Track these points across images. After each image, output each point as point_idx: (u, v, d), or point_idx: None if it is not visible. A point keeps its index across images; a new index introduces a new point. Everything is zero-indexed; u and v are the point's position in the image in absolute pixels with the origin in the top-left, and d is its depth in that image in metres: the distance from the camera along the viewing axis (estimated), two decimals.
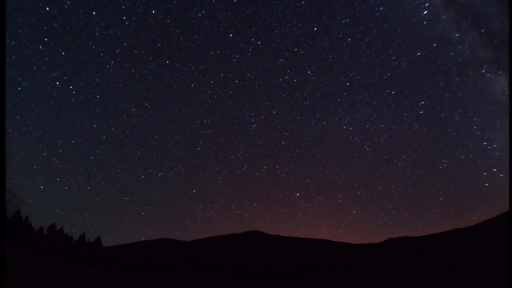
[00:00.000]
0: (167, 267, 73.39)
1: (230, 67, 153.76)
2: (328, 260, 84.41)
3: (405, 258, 57.54)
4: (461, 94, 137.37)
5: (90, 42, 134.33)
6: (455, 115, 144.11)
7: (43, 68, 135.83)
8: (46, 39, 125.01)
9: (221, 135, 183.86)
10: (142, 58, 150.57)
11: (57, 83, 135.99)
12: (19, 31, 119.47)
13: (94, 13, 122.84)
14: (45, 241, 61.04)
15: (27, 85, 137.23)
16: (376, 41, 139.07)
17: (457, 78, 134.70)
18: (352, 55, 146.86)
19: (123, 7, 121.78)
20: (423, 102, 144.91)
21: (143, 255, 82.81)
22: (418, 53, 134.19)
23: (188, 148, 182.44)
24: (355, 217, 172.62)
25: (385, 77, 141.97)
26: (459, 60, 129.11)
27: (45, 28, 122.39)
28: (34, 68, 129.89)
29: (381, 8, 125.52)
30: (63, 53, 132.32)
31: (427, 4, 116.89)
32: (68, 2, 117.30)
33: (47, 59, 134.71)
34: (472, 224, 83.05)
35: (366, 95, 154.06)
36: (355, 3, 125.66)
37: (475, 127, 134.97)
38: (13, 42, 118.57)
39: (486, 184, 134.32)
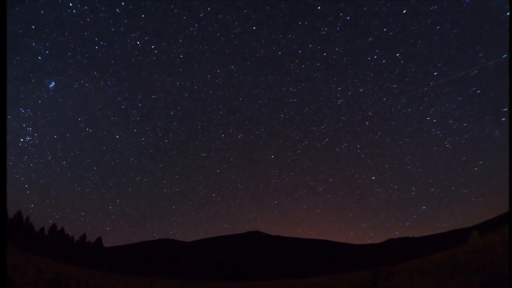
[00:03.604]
0: (167, 267, 73.48)
1: (318, 39, 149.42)
2: (328, 261, 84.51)
3: (405, 258, 57.55)
4: None
5: (172, 6, 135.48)
6: None
7: (122, 29, 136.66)
8: (123, 3, 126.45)
9: (306, 105, 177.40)
10: (228, 23, 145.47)
11: (138, 42, 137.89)
12: None
13: None
14: (46, 242, 61.12)
15: (105, 44, 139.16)
16: (464, 33, 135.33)
17: None
18: (441, 44, 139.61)
19: None
20: (505, 109, 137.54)
21: (143, 255, 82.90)
22: (504, 55, 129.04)
23: (271, 113, 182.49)
24: (423, 213, 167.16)
25: (472, 73, 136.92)
26: None
27: None
28: (112, 29, 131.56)
29: (467, 0, 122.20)
30: (143, 16, 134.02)
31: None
32: None
33: (125, 21, 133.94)
34: (472, 224, 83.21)
35: (453, 88, 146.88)
36: None
37: None
38: (86, 7, 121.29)
39: None
